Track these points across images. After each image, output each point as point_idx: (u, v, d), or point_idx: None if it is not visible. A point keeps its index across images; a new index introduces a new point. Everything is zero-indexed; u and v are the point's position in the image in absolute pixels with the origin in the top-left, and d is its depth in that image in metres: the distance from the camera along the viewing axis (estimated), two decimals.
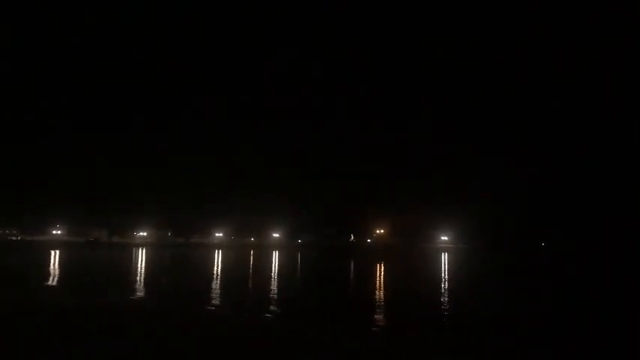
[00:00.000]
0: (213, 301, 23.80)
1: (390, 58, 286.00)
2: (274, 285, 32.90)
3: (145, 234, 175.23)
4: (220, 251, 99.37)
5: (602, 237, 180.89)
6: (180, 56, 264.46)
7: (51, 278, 35.90)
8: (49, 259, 60.16)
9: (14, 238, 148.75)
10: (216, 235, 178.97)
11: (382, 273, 49.06)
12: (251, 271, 48.38)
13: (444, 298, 26.81)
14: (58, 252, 78.44)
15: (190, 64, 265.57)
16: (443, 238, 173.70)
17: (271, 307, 21.70)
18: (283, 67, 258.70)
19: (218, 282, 34.45)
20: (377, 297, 27.48)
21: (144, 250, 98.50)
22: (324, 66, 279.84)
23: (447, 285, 34.97)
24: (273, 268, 50.30)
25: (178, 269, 49.78)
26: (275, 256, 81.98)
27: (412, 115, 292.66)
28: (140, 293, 27.07)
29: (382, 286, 35.19)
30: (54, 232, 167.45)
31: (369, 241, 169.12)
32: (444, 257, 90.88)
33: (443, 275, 44.79)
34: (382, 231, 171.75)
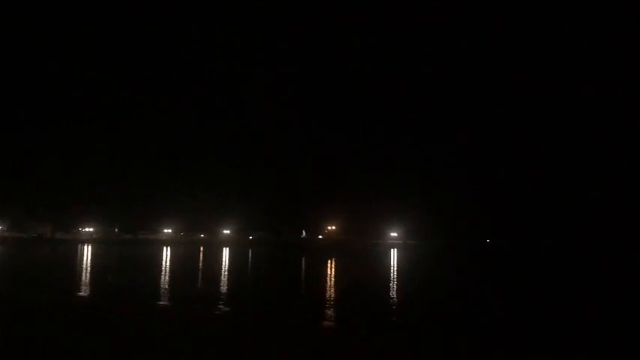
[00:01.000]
0: (158, 297, 23.25)
1: (338, 56, 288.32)
2: (223, 281, 32.45)
3: (91, 230, 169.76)
4: (169, 248, 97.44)
5: (548, 234, 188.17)
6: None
7: None
8: None
9: None
10: (165, 231, 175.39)
11: (332, 269, 49.25)
12: (200, 267, 47.64)
13: (391, 294, 27.12)
14: None
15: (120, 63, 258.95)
16: (393, 234, 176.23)
17: (219, 303, 21.37)
18: (224, 67, 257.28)
19: (165, 278, 33.74)
20: (326, 293, 27.45)
21: (89, 247, 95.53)
22: (275, 66, 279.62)
23: (394, 281, 35.42)
24: (223, 265, 49.69)
25: (123, 266, 48.43)
26: (225, 252, 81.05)
27: (363, 114, 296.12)
28: (83, 292, 26.14)
29: (331, 282, 35.26)
30: None
31: (320, 237, 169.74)
32: (393, 253, 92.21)
33: (390, 271, 45.38)
34: (334, 227, 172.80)
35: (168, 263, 51.32)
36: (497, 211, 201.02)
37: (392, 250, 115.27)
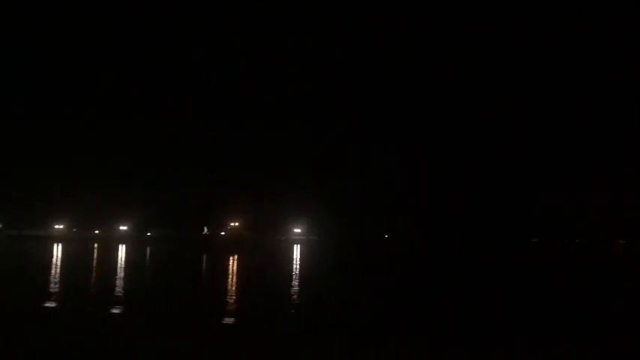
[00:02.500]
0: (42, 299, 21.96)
1: (241, 58, 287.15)
2: (116, 280, 31.22)
3: None
4: (60, 245, 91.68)
5: (446, 231, 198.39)
6: None
7: None
8: None
9: None
10: (56, 227, 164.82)
11: (232, 266, 48.97)
12: (94, 264, 45.42)
13: (291, 289, 27.47)
14: None
15: None
16: (296, 230, 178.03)
17: (110, 305, 20.59)
18: (117, 66, 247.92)
19: (51, 277, 31.84)
20: (225, 290, 27.30)
21: None
22: (179, 67, 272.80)
23: (295, 276, 35.89)
24: (117, 263, 47.73)
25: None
26: (121, 249, 77.77)
27: (268, 111, 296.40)
28: None
29: (232, 278, 35.10)
30: None
31: (223, 234, 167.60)
32: (296, 249, 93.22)
33: (292, 267, 45.88)
34: (236, 224, 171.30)
35: (57, 261, 48.37)
36: (397, 208, 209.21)
37: (295, 245, 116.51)
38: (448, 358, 11.59)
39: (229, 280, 33.56)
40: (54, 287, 26.60)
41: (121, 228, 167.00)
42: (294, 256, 65.43)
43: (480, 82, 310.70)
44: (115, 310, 18.92)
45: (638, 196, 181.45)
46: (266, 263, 53.44)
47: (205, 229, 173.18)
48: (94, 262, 50.22)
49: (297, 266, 46.39)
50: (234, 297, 24.22)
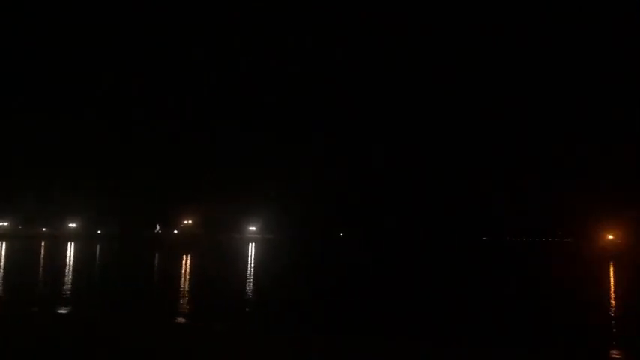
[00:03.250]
0: None
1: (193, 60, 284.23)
2: (63, 279, 30.80)
3: None
4: (3, 242, 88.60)
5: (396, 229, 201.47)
6: None
7: None
8: None
9: None
10: (0, 224, 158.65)
11: (183, 264, 48.75)
12: (40, 263, 44.33)
13: (246, 288, 27.74)
14: None
15: None
16: (251, 228, 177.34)
17: (59, 303, 20.50)
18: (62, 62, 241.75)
19: None
20: (176, 289, 27.26)
21: None
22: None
23: (249, 275, 36.09)
24: (63, 260, 46.75)
25: None
26: (69, 247, 75.96)
27: (222, 112, 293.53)
28: None
29: (183, 277, 35.03)
30: None
31: (175, 232, 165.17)
32: (250, 248, 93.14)
33: (245, 266, 46.01)
34: (190, 222, 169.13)
35: (35, 258, 46.97)
36: (351, 206, 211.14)
37: (249, 244, 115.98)
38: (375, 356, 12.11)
39: (180, 279, 33.50)
40: None
41: (70, 225, 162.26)
42: (247, 255, 65.59)
43: (425, 82, 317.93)
44: (61, 311, 18.83)
45: (585, 196, 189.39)
46: (217, 262, 53.37)
47: (157, 228, 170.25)
48: (40, 260, 49.01)
49: (250, 265, 46.62)
50: (184, 296, 24.32)
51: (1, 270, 36.51)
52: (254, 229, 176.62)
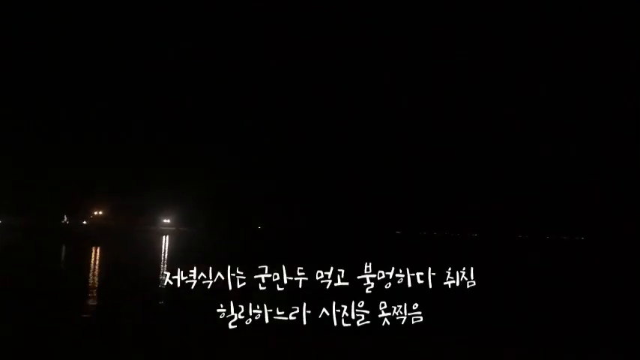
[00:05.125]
0: None
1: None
2: None
3: None
4: None
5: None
6: None
7: None
8: None
9: None
10: None
11: (91, 256, 47.28)
12: None
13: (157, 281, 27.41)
14: None
15: None
16: (165, 220, 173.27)
17: None
18: None
19: None
20: (83, 282, 26.55)
21: None
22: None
23: (164, 268, 35.63)
24: None
25: None
26: None
27: (135, 103, 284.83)
28: None
29: (91, 270, 34.10)
30: None
31: (84, 223, 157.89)
32: (164, 240, 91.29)
33: (160, 258, 45.31)
34: (100, 213, 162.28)
35: None
36: (269, 200, 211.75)
37: (163, 236, 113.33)
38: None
39: (87, 272, 32.61)
40: None
41: None
42: (160, 248, 64.48)
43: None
44: None
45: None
46: (128, 254, 52.16)
47: (65, 218, 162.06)
48: None
49: (163, 257, 46.01)
50: (92, 290, 23.80)
51: None
52: (168, 221, 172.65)
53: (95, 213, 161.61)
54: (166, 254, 49.27)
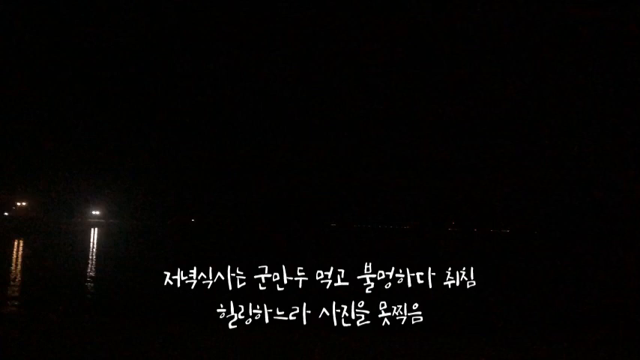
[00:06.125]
0: None
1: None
2: None
3: None
4: None
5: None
6: None
7: None
8: None
9: None
10: None
11: (16, 250, 44.83)
12: None
13: (88, 276, 26.46)
14: None
15: None
16: (94, 212, 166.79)
17: None
18: None
19: None
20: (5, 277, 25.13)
21: None
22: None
23: (92, 262, 34.41)
24: None
25: None
26: None
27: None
28: None
29: (15, 264, 32.30)
30: None
31: (6, 214, 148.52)
32: (91, 233, 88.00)
33: (88, 252, 43.62)
34: (24, 204, 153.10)
35: None
36: (205, 192, 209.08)
37: (92, 229, 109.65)
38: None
39: (11, 265, 30.83)
40: None
41: None
42: (89, 240, 62.08)
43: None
44: None
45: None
46: (54, 247, 49.77)
47: None
48: None
49: (91, 250, 44.31)
50: (16, 285, 22.60)
51: None
52: (97, 213, 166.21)
53: (18, 204, 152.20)
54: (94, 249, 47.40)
